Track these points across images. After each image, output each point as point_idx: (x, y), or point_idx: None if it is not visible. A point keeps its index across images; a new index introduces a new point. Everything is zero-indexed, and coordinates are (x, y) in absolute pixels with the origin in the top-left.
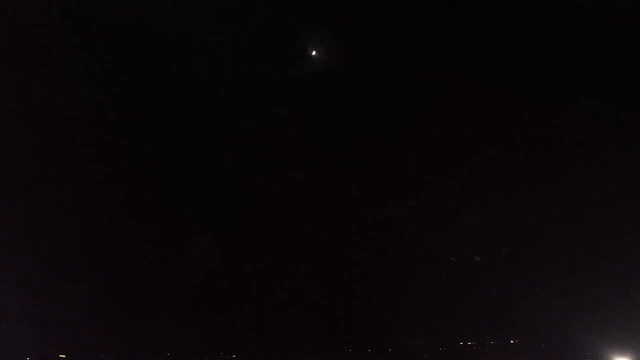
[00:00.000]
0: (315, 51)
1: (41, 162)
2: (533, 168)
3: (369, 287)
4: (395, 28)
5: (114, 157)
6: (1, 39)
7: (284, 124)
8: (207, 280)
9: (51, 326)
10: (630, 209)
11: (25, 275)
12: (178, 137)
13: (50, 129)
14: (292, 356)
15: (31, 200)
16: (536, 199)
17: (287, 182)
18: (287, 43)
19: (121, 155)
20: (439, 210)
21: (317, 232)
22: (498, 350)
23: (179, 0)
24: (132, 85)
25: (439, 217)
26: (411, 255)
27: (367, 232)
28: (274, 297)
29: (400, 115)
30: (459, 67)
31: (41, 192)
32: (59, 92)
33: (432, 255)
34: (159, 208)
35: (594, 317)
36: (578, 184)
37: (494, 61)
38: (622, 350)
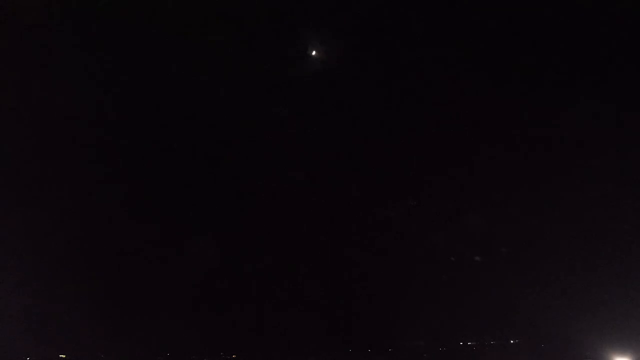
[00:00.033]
0: (315, 51)
1: (41, 162)
2: (533, 168)
3: (369, 287)
4: (395, 28)
5: (114, 157)
6: (1, 39)
7: (284, 124)
8: (207, 280)
9: (51, 326)
10: (630, 209)
11: (25, 275)
12: (178, 137)
13: (50, 129)
14: (292, 356)
15: (31, 200)
16: (536, 199)
17: (287, 182)
18: (287, 43)
19: (121, 155)
20: (439, 210)
21: (317, 232)
22: (498, 350)
23: (179, 0)
24: (132, 85)
25: (439, 217)
26: (411, 255)
27: (367, 232)
28: (274, 297)
29: (400, 115)
30: (459, 67)
31: (41, 192)
32: (59, 92)
33: (432, 255)
34: (159, 208)
35: (594, 317)
36: (578, 184)
37: (494, 61)
38: (622, 350)
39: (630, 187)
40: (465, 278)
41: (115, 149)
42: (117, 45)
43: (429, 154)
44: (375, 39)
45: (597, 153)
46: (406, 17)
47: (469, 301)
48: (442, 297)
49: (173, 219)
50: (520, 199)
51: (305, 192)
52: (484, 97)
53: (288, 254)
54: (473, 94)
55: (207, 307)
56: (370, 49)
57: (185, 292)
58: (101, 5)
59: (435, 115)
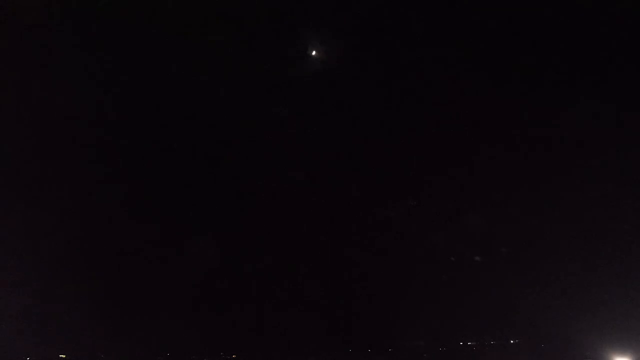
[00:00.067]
0: (315, 51)
1: (41, 162)
2: (533, 168)
3: (369, 287)
4: (395, 28)
5: (114, 157)
6: (1, 39)
7: (284, 124)
8: (207, 280)
9: (51, 326)
10: (630, 209)
11: (25, 275)
12: (178, 137)
13: (50, 129)
14: (292, 356)
15: (31, 200)
16: (536, 199)
17: (287, 182)
18: (287, 43)
19: (121, 155)
20: (439, 210)
21: (317, 232)
22: (498, 350)
23: (179, 0)
24: (132, 85)
25: (439, 217)
26: (411, 255)
27: (367, 232)
28: (274, 297)
29: (400, 115)
30: (459, 67)
31: (41, 192)
32: (59, 92)
33: (432, 255)
34: (159, 208)
35: (594, 317)
36: (578, 184)
37: (494, 61)
38: (622, 350)
39: (630, 187)
40: (465, 278)
41: (115, 149)
42: (117, 45)
43: (429, 154)
44: (375, 39)
45: (597, 153)
46: (406, 17)
47: (469, 301)
48: (442, 297)
49: (173, 219)
50: (520, 199)
51: (305, 192)
52: (484, 97)
53: (288, 254)
54: (473, 94)
55: (207, 307)
56: (370, 49)
57: (185, 292)
58: (101, 5)
59: (435, 115)
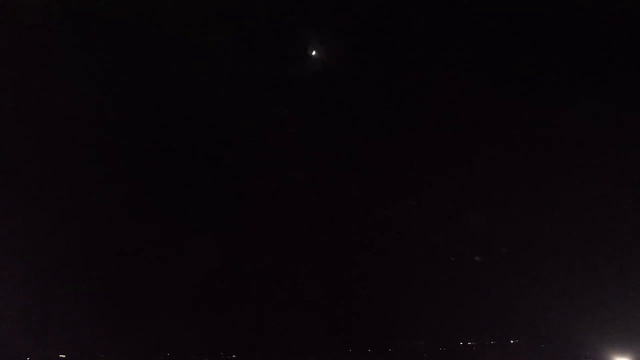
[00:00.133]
0: (315, 51)
1: (41, 162)
2: (533, 168)
3: (369, 287)
4: (395, 28)
5: (114, 157)
6: (1, 39)
7: (284, 124)
8: (207, 280)
9: (51, 326)
10: (630, 209)
11: (25, 275)
12: (178, 137)
13: (50, 129)
14: (292, 356)
15: (31, 200)
16: (536, 199)
17: (287, 182)
18: (287, 43)
19: (121, 155)
20: (439, 210)
21: (317, 232)
22: (498, 350)
23: (179, 0)
24: (132, 85)
25: (439, 217)
26: (411, 255)
27: (367, 232)
28: (274, 297)
29: (400, 115)
30: (459, 67)
31: (41, 192)
32: (59, 92)
33: (432, 255)
34: (159, 208)
35: (594, 317)
36: (578, 184)
37: (494, 61)
38: (622, 350)
39: (630, 187)
40: (465, 278)
41: (115, 149)
42: (117, 45)
43: (429, 154)
44: (375, 39)
45: (597, 153)
46: (406, 17)
47: (469, 301)
48: (442, 297)
49: (173, 219)
50: (520, 199)
51: (305, 192)
52: (484, 97)
53: (288, 254)
54: (473, 94)
55: (207, 307)
56: (370, 49)
57: (185, 292)
58: (101, 5)
59: (435, 115)
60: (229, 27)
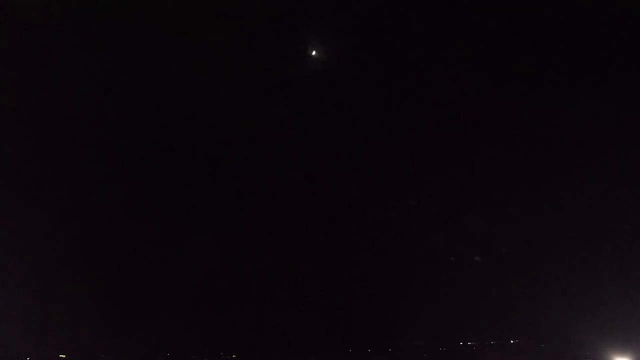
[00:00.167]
0: (315, 51)
1: (41, 162)
2: (533, 168)
3: (369, 287)
4: (395, 28)
5: (114, 157)
6: (1, 39)
7: (284, 124)
8: (207, 280)
9: (51, 326)
10: (630, 209)
11: (25, 275)
12: (178, 137)
13: (50, 129)
14: (292, 356)
15: (31, 200)
16: (536, 199)
17: (287, 182)
18: (287, 43)
19: (121, 155)
20: (439, 210)
21: (317, 232)
22: (498, 350)
23: (179, 0)
24: (132, 85)
25: (439, 217)
26: (411, 255)
27: (367, 232)
28: (274, 297)
29: (400, 115)
30: (459, 67)
31: (41, 192)
32: (59, 92)
33: (432, 255)
34: (159, 208)
35: (594, 317)
36: (578, 184)
37: (494, 61)
38: (622, 350)
39: (630, 187)
40: (465, 278)
41: (115, 149)
42: (117, 45)
43: (429, 154)
44: (375, 39)
45: (597, 153)
46: (406, 17)
47: (469, 301)
48: (442, 297)
49: (173, 219)
50: (520, 199)
51: (305, 192)
52: (484, 97)
53: (288, 254)
54: (473, 94)
55: (207, 307)
56: (370, 49)
57: (185, 292)
58: (101, 5)
59: (435, 115)
60: (229, 27)
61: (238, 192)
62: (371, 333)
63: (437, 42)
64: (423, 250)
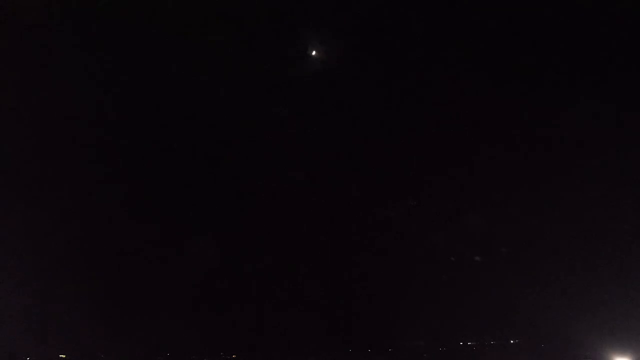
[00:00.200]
0: (315, 51)
1: (41, 162)
2: (533, 168)
3: (369, 287)
4: (395, 28)
5: (114, 157)
6: (1, 39)
7: (284, 124)
8: (207, 280)
9: (51, 326)
10: (630, 209)
11: (25, 275)
12: (178, 137)
13: (50, 129)
14: (292, 356)
15: (31, 200)
16: (536, 199)
17: (287, 182)
18: (287, 43)
19: (121, 155)
20: (439, 210)
21: (317, 232)
22: (498, 350)
23: (179, 0)
24: (132, 85)
25: (439, 217)
26: (411, 255)
27: (367, 232)
28: (274, 297)
29: (400, 115)
30: (459, 67)
31: (41, 192)
32: (59, 92)
33: (432, 255)
34: (159, 208)
35: (594, 317)
36: (578, 184)
37: (494, 61)
38: (622, 350)
39: (630, 187)
40: (465, 278)
41: (115, 149)
42: (117, 45)
43: (429, 154)
44: (375, 39)
45: (597, 153)
46: (406, 17)
47: (469, 301)
48: (442, 297)
49: (173, 219)
50: (520, 199)
51: (305, 192)
52: (484, 97)
53: (288, 254)
54: (473, 94)
55: (207, 307)
56: (370, 49)
57: (185, 292)
58: (101, 5)
59: (435, 115)
60: (229, 27)
61: (238, 192)
62: (371, 333)
63: (437, 42)
64: (423, 250)
